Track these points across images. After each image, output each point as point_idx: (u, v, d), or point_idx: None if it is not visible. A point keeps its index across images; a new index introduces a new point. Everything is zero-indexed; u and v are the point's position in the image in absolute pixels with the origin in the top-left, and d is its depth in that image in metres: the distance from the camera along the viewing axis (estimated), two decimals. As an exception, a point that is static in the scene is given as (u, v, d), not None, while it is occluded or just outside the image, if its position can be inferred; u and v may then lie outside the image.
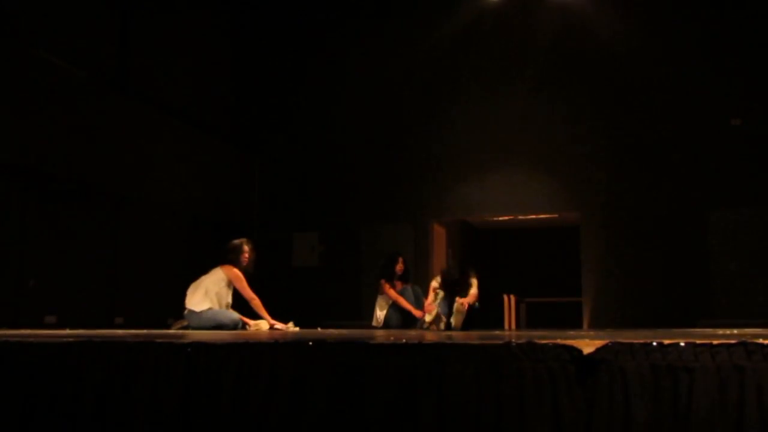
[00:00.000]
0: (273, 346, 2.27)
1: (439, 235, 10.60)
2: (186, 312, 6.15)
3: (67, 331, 4.55)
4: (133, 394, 2.30)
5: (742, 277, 8.84)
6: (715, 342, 1.95)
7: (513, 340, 2.09)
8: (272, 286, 10.58)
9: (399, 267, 7.64)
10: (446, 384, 2.03)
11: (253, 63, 11.24)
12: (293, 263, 10.68)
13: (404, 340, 2.29)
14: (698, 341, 1.97)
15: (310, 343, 2.23)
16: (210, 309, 6.08)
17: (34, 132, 6.93)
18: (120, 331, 4.82)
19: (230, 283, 6.32)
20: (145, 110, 8.70)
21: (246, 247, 6.51)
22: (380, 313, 7.52)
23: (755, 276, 8.79)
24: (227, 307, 6.30)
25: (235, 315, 6.22)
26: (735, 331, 4.35)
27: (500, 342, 2.09)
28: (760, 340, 1.95)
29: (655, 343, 1.96)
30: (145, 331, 4.77)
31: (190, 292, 6.21)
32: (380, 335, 3.98)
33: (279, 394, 2.17)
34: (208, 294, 6.13)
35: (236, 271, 6.34)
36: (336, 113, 10.73)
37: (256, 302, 6.32)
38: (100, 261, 7.98)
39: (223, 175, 10.21)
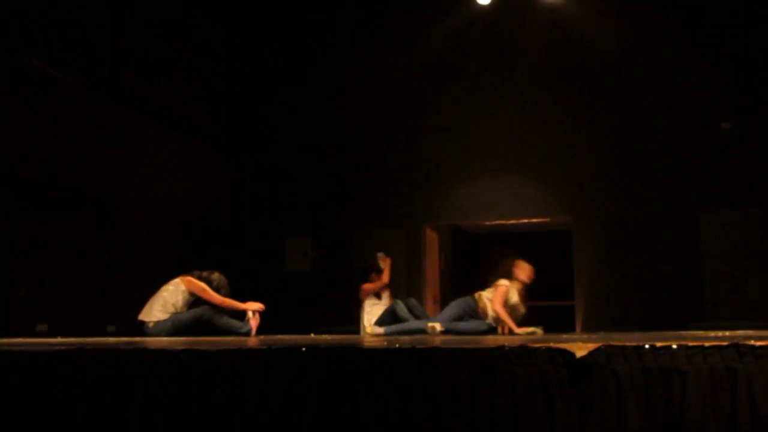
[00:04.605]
0: (266, 352, 2.27)
1: (431, 239, 10.60)
2: (149, 325, 5.86)
3: (59, 339, 4.53)
4: (126, 402, 2.29)
5: (734, 278, 8.88)
6: (706, 344, 1.96)
7: (506, 344, 2.09)
8: (265, 291, 10.60)
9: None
10: (440, 389, 2.04)
11: (244, 69, 11.23)
12: (286, 269, 10.66)
13: (397, 345, 2.29)
14: (690, 343, 1.97)
15: (303, 349, 2.23)
16: (167, 319, 5.85)
17: (25, 140, 6.89)
18: (112, 339, 4.80)
19: (190, 296, 6.05)
20: (137, 117, 8.65)
21: (220, 281, 6.21)
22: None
23: (746, 278, 8.82)
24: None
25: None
26: (727, 333, 4.36)
27: (493, 346, 2.09)
28: (752, 342, 1.96)
29: (647, 346, 1.97)
30: (137, 339, 4.75)
31: (148, 304, 5.99)
32: (373, 340, 3.98)
33: (272, 400, 2.16)
34: (166, 305, 5.93)
35: (200, 283, 6.08)
36: (327, 119, 10.72)
37: (229, 302, 6.09)
38: (91, 268, 7.93)
39: (215, 181, 10.18)
